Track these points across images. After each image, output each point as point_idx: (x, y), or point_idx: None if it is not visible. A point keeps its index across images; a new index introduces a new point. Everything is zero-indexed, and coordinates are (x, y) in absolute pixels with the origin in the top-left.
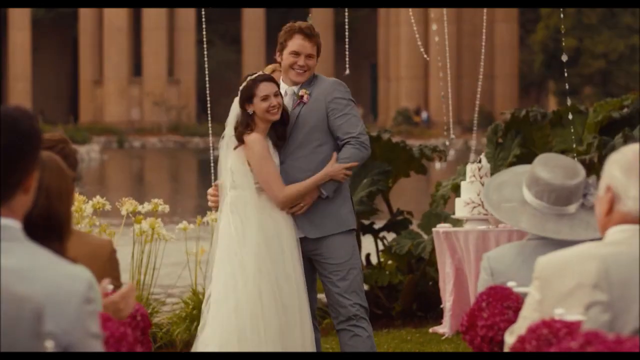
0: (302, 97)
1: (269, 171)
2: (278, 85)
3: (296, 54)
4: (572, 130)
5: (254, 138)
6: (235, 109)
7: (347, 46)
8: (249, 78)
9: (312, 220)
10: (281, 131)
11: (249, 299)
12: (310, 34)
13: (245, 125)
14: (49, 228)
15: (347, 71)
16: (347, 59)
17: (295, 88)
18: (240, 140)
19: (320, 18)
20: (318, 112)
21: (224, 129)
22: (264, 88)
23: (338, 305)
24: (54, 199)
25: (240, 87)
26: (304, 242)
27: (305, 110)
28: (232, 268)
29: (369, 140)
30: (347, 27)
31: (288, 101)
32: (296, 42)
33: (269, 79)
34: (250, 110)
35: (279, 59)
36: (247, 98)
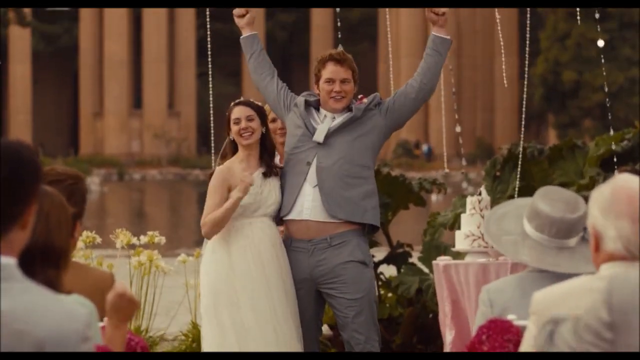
0: (361, 98)
1: (211, 203)
2: (259, 112)
3: (331, 81)
4: (570, 164)
5: (218, 169)
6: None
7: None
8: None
9: (337, 202)
10: (267, 161)
11: (213, 331)
12: (341, 59)
13: (223, 155)
14: (46, 255)
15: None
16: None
17: (336, 115)
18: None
19: (319, 51)
20: (373, 118)
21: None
22: (237, 111)
23: (354, 341)
24: (53, 226)
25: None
26: (315, 272)
27: (360, 110)
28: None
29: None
30: (390, 52)
31: (324, 125)
32: (329, 70)
33: (246, 103)
34: (231, 135)
35: (317, 92)
36: (227, 122)
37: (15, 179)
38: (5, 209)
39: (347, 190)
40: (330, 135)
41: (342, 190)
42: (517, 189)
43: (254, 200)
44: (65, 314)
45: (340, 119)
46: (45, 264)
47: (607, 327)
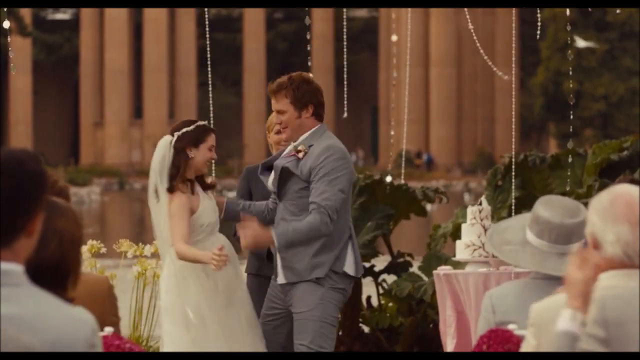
0: (299, 152)
1: (184, 229)
2: None
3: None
4: (569, 173)
5: (183, 198)
6: (164, 150)
7: (345, 89)
8: (198, 123)
9: (285, 266)
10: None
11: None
12: (273, 90)
13: (178, 176)
14: (57, 275)
15: (345, 114)
16: (345, 102)
17: (296, 143)
18: (172, 189)
19: (320, 61)
20: (305, 168)
21: (225, 171)
22: (213, 139)
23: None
24: (66, 246)
25: (187, 129)
26: (284, 294)
27: (296, 164)
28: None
29: (334, 212)
30: (346, 70)
31: (287, 150)
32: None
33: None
34: (192, 154)
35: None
36: (195, 142)
37: (20, 190)
38: (10, 220)
39: (299, 253)
40: (281, 199)
41: (295, 256)
42: (524, 196)
43: (215, 219)
44: (71, 320)
45: None
46: (55, 283)
47: (603, 342)
